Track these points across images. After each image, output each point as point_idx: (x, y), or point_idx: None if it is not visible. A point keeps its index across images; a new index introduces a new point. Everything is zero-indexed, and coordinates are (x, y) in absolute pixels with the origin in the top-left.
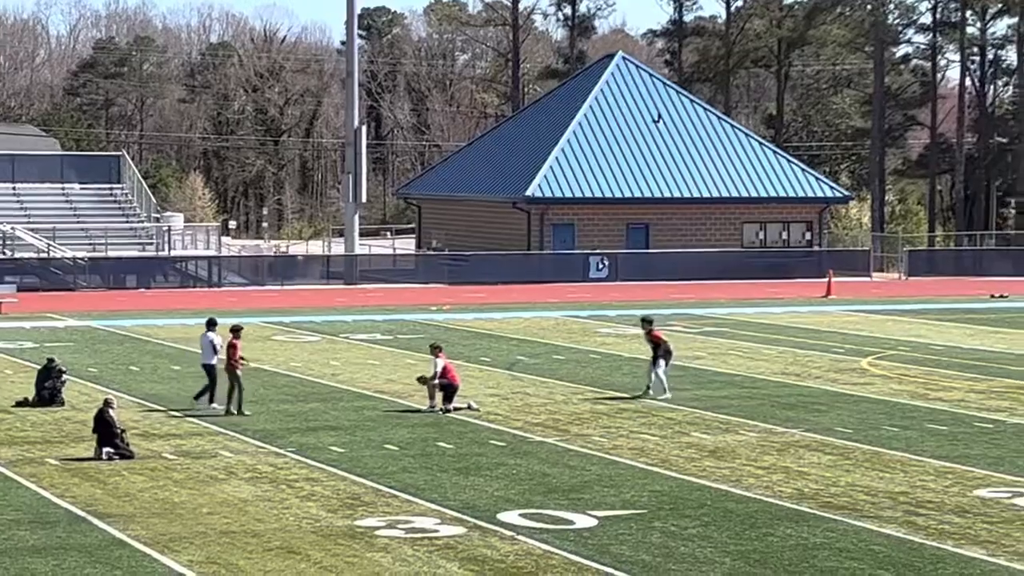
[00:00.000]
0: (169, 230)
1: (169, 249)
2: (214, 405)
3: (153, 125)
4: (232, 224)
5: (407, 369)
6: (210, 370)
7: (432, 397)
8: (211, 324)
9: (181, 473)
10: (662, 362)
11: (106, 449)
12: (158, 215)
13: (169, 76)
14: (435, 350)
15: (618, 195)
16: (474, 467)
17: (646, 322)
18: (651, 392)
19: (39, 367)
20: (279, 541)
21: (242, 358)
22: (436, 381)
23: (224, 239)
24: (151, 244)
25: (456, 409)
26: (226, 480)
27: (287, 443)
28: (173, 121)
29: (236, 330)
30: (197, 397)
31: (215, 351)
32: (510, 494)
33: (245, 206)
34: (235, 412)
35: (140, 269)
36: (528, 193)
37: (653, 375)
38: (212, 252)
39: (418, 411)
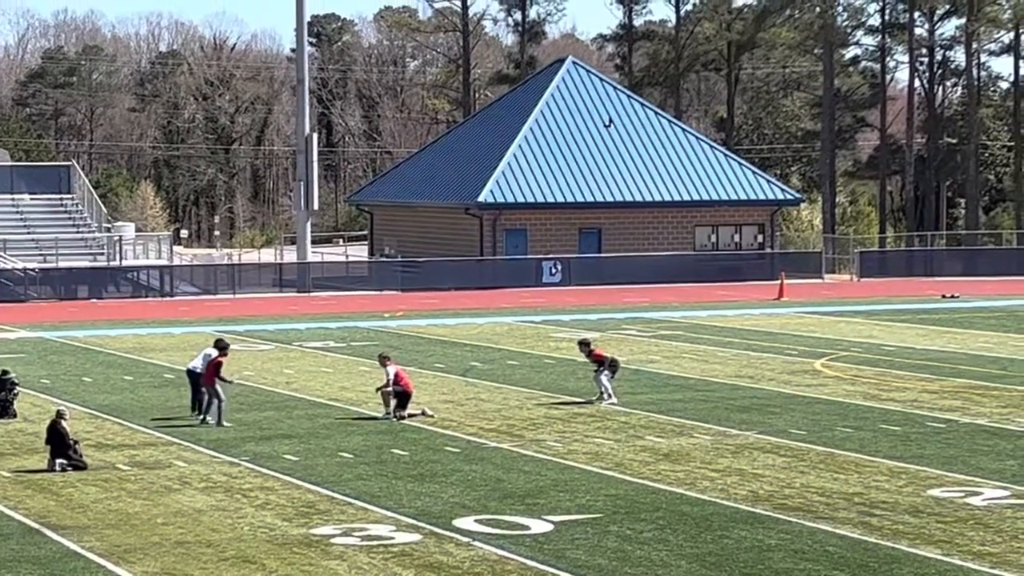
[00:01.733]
0: (120, 240)
1: (120, 259)
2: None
3: (103, 135)
4: (184, 233)
5: (361, 376)
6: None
7: (387, 404)
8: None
9: (135, 484)
10: (607, 372)
11: (59, 461)
12: (109, 225)
13: (119, 85)
14: (384, 359)
15: (570, 200)
16: (429, 474)
17: (584, 344)
18: (605, 398)
19: None
20: (234, 551)
21: (221, 377)
22: (390, 388)
23: (176, 248)
24: (102, 254)
25: (410, 416)
26: (180, 490)
27: (241, 452)
28: (123, 130)
29: (223, 348)
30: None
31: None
32: (465, 500)
33: (197, 215)
34: (209, 421)
35: (91, 279)
36: (480, 199)
37: (599, 383)
38: (164, 261)
39: (372, 418)
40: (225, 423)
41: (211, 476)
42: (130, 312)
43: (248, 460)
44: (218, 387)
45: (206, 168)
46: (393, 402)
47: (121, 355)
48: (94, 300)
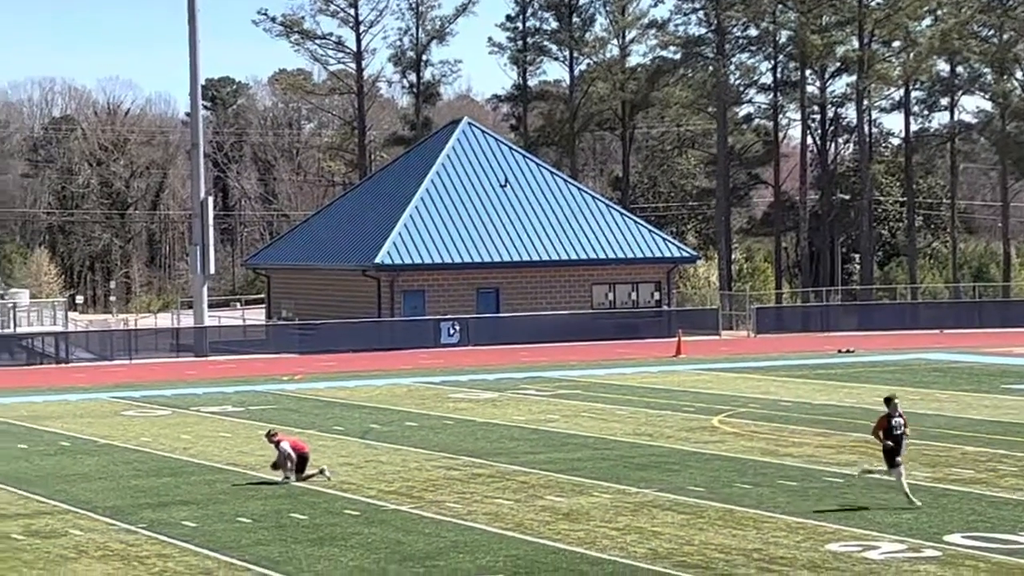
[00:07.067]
0: (14, 307)
1: (15, 326)
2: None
3: None
4: (79, 299)
5: (259, 441)
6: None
7: (288, 469)
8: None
9: (31, 554)
10: None
11: None
12: (3, 292)
13: (11, 151)
14: (271, 437)
15: (467, 260)
16: (328, 537)
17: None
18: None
19: None
20: None
21: None
22: (293, 459)
23: (71, 314)
24: None
25: (308, 478)
26: (76, 559)
27: (138, 519)
28: (16, 196)
29: None
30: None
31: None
32: (365, 563)
33: (92, 280)
34: None
35: None
36: (377, 260)
37: None
38: (59, 328)
39: (271, 483)
40: None
41: (108, 544)
42: (25, 380)
43: (145, 527)
44: None
45: (101, 233)
46: (291, 471)
47: (15, 423)
48: None
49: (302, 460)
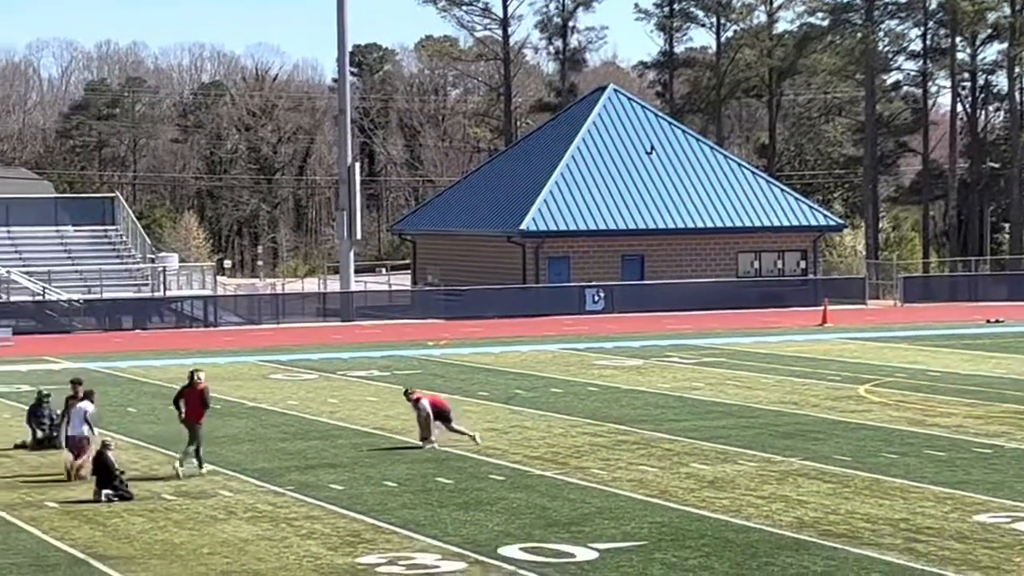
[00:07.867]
0: (164, 271)
1: (164, 290)
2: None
3: (146, 166)
4: (227, 263)
5: (405, 405)
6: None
7: (430, 433)
8: None
9: (181, 514)
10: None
11: (105, 491)
12: (153, 256)
13: (161, 116)
14: (409, 395)
15: (613, 227)
16: (474, 502)
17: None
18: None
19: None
20: None
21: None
22: (431, 418)
23: (219, 278)
24: (146, 285)
25: (458, 431)
26: (226, 520)
27: (286, 481)
28: (166, 161)
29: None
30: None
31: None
32: (510, 528)
33: (240, 245)
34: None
35: (135, 310)
36: (523, 227)
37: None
38: (207, 292)
39: (416, 447)
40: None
41: (256, 505)
42: (174, 342)
43: (293, 489)
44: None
45: (249, 198)
46: (436, 432)
47: (165, 385)
48: (138, 331)
49: (442, 415)
